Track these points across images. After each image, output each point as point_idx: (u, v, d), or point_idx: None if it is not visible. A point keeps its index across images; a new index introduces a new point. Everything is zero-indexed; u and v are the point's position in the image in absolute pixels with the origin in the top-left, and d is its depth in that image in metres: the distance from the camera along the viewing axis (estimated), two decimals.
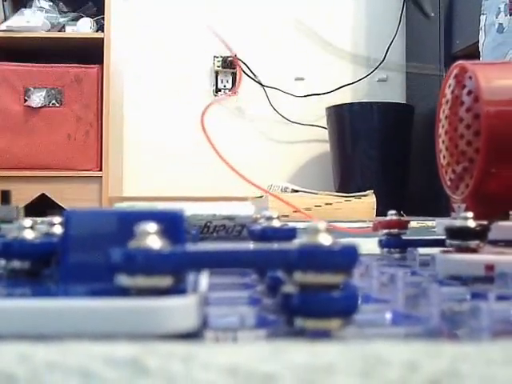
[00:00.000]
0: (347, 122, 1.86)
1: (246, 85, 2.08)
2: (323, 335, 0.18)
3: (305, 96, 2.06)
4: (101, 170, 1.68)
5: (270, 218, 0.32)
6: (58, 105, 1.68)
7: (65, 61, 1.71)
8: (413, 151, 1.86)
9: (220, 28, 2.04)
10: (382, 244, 0.42)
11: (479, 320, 0.21)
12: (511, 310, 0.23)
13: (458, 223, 0.32)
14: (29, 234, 0.25)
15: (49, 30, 1.76)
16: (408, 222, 0.43)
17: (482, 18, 1.32)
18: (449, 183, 0.44)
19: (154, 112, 2.05)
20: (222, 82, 2.09)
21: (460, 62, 0.42)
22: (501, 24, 1.23)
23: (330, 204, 1.50)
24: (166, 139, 2.03)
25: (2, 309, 0.17)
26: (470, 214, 0.32)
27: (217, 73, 2.10)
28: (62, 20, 1.81)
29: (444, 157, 0.45)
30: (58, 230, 0.28)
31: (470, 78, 0.41)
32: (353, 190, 1.61)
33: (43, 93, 1.67)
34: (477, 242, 0.31)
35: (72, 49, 1.75)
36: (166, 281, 0.18)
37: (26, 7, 1.80)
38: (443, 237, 0.34)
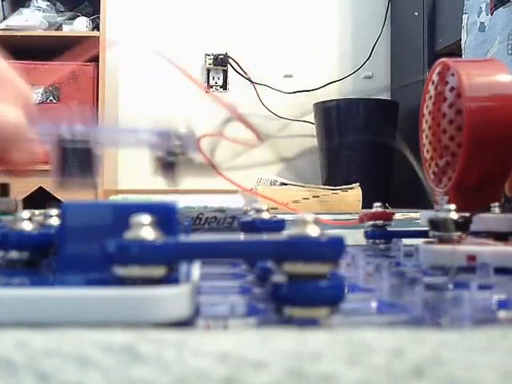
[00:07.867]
0: (334, 118, 1.87)
1: (236, 82, 2.08)
2: (311, 323, 0.18)
3: (293, 92, 2.06)
4: None
5: (259, 210, 0.32)
6: (55, 101, 1.69)
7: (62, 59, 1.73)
8: (397, 146, 1.87)
9: (211, 26, 2.04)
10: (367, 235, 0.43)
11: (461, 308, 0.22)
12: (492, 299, 0.24)
13: (440, 215, 0.32)
14: (27, 226, 0.25)
15: (46, 29, 1.78)
16: (393, 213, 0.43)
17: (464, 17, 1.34)
18: (432, 176, 0.44)
19: (147, 108, 2.04)
20: (213, 79, 2.09)
21: (443, 59, 0.43)
22: (482, 23, 1.24)
23: (318, 196, 1.50)
24: None
25: (2, 297, 0.17)
26: (453, 207, 0.32)
27: (208, 70, 2.10)
28: (59, 19, 1.82)
29: (427, 151, 0.45)
30: (55, 221, 0.28)
31: (453, 74, 0.41)
32: (339, 183, 1.62)
33: (41, 90, 1.68)
34: (459, 233, 0.32)
35: (69, 47, 1.75)
36: (159, 271, 0.18)
37: (24, 7, 1.81)
38: (427, 228, 0.34)
